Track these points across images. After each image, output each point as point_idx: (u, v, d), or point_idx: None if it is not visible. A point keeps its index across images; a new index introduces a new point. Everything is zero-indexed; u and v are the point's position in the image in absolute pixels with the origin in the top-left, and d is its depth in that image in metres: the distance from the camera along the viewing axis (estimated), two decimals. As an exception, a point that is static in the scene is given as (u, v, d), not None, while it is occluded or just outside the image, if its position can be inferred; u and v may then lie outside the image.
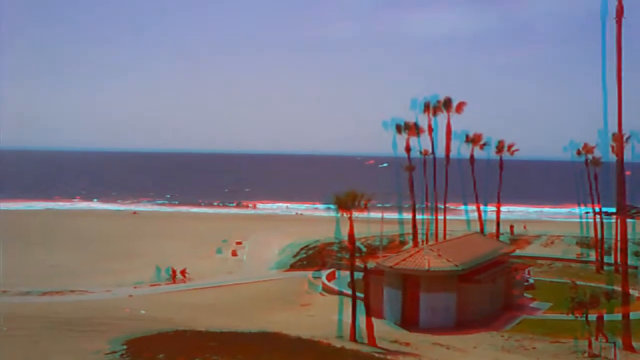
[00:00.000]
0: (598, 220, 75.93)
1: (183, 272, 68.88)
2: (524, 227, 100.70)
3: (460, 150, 76.39)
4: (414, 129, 73.76)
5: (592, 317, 40.69)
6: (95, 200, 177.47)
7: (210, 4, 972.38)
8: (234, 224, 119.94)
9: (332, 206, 40.00)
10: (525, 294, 58.03)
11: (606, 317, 42.58)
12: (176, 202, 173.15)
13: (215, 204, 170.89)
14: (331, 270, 66.41)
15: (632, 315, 42.89)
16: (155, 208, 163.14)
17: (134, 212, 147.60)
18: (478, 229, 76.55)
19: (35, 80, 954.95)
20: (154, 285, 65.37)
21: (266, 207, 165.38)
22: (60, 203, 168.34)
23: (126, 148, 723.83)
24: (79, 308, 48.02)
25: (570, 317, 40.91)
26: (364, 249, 77.84)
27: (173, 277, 67.80)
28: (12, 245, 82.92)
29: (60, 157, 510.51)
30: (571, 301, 40.43)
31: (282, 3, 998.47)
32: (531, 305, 54.75)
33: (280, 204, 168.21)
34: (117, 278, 67.62)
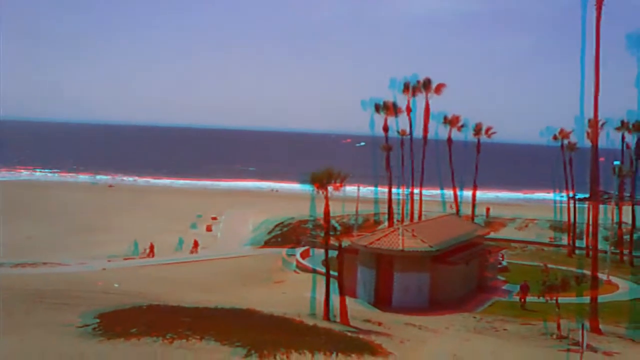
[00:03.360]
0: (572, 205, 76.70)
1: (196, 243, 71.30)
2: (487, 209, 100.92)
3: (438, 131, 76.73)
4: (392, 108, 73.89)
5: (563, 300, 41.28)
6: (70, 171, 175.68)
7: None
8: (209, 199, 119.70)
9: (307, 184, 39.97)
10: (498, 277, 58.60)
11: (575, 300, 43.28)
12: (153, 176, 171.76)
13: (191, 178, 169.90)
14: (305, 248, 66.61)
15: (600, 299, 43.59)
16: (132, 181, 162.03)
17: (110, 185, 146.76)
18: (454, 210, 77.06)
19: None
20: (127, 258, 65.18)
21: (243, 182, 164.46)
22: (35, 173, 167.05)
23: (107, 121, 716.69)
24: (51, 280, 47.81)
25: (541, 299, 41.41)
26: (339, 228, 78.17)
27: (151, 251, 67.67)
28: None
29: (41, 128, 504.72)
30: (542, 284, 40.92)
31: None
32: (504, 287, 55.31)
33: (258, 181, 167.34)
34: (91, 251, 67.37)
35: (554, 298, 39.97)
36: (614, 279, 59.34)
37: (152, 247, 68.17)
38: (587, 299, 42.62)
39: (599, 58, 40.23)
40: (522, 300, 48.62)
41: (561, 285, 40.87)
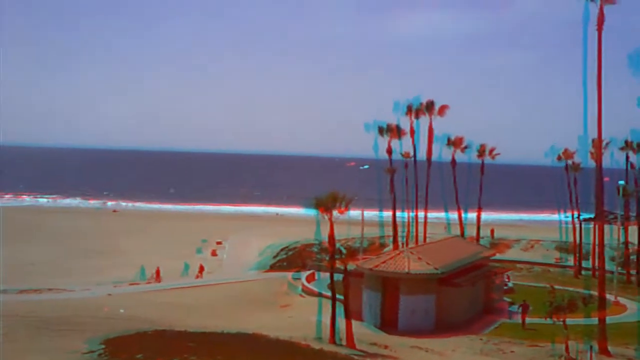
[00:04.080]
0: (577, 225, 76.44)
1: (202, 268, 71.38)
2: (491, 230, 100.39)
3: (442, 153, 76.77)
4: (395, 131, 74.11)
5: (570, 321, 41.03)
6: (75, 197, 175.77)
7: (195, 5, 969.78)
8: (213, 223, 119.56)
9: (312, 207, 40.00)
10: (504, 298, 58.30)
11: (583, 321, 43.01)
12: (157, 201, 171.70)
13: (195, 203, 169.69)
14: (311, 271, 66.45)
15: (608, 320, 43.31)
16: (136, 206, 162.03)
17: (114, 210, 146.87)
18: (458, 232, 76.85)
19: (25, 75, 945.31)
20: (133, 284, 65.08)
21: (247, 207, 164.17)
22: (41, 199, 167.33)
23: (110, 146, 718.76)
24: (56, 307, 47.67)
25: (549, 321, 41.17)
26: (344, 251, 77.87)
27: (157, 276, 67.62)
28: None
29: (42, 154, 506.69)
30: (549, 305, 40.70)
31: (267, 4, 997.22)
32: (510, 309, 55.02)
33: (262, 206, 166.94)
34: (96, 276, 67.28)
35: (562, 319, 39.77)
36: (622, 300, 59.00)
37: (158, 272, 68.12)
38: (595, 320, 42.32)
39: (602, 78, 40.36)
40: (522, 319, 48.51)
41: (568, 306, 40.63)
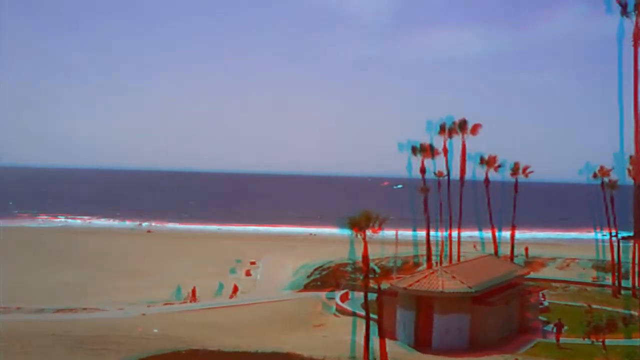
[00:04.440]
0: (615, 243, 75.26)
1: (236, 288, 71.67)
2: (526, 249, 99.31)
3: (475, 172, 76.37)
4: (429, 150, 73.96)
5: (610, 341, 40.32)
6: (109, 218, 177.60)
7: (216, 23, 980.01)
8: (247, 243, 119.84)
9: (346, 227, 39.93)
10: (539, 317, 57.52)
11: (623, 342, 42.20)
12: (191, 221, 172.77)
13: (229, 223, 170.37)
14: (345, 291, 66.22)
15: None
16: (170, 226, 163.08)
17: (149, 231, 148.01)
18: (492, 251, 76.18)
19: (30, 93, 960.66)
20: (167, 304, 65.36)
21: (280, 228, 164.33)
22: (74, 220, 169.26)
23: (142, 167, 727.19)
24: (91, 326, 48.06)
25: (587, 341, 40.49)
26: (378, 270, 77.52)
27: (193, 296, 67.94)
28: (27, 262, 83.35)
29: (70, 175, 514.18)
30: (587, 325, 40.05)
31: (294, 23, 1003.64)
32: (545, 328, 54.25)
33: (296, 226, 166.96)
34: (130, 296, 67.69)
35: (600, 339, 39.08)
36: (662, 320, 57.78)
37: (194, 292, 68.40)
38: (636, 341, 41.50)
39: (638, 94, 39.86)
40: (557, 338, 47.74)
41: (607, 326, 39.99)
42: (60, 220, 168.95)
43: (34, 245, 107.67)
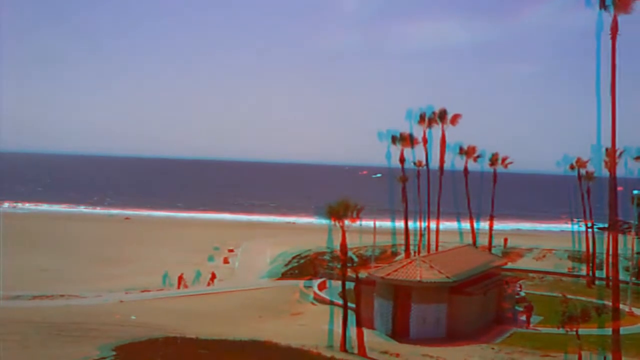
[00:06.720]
0: (590, 234, 76.04)
1: (213, 276, 71.28)
2: (504, 240, 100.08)
3: (454, 162, 76.63)
4: (408, 140, 74.07)
5: (583, 331, 40.76)
6: (86, 205, 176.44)
7: (207, 13, 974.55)
8: (225, 231, 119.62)
9: (324, 216, 40.00)
10: (516, 307, 58.04)
11: (597, 331, 42.71)
12: (169, 209, 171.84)
13: (207, 211, 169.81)
14: (323, 279, 66.38)
15: (622, 331, 42.96)
16: (148, 213, 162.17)
17: (127, 218, 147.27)
18: (470, 240, 76.65)
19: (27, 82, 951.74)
20: (145, 291, 65.18)
21: (259, 217, 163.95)
22: (52, 206, 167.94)
23: (120, 153, 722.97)
24: (69, 313, 47.86)
25: (561, 330, 40.91)
26: (356, 259, 77.87)
27: (179, 283, 67.86)
28: (2, 248, 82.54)
29: (50, 161, 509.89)
30: (562, 315, 40.44)
31: (277, 13, 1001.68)
32: (522, 318, 54.76)
33: (274, 215, 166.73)
34: (108, 283, 67.44)
35: (574, 329, 39.49)
36: (636, 311, 58.55)
37: (180, 279, 68.28)
38: (608, 331, 41.97)
39: (615, 86, 40.10)
40: (527, 318, 48.49)
41: (581, 315, 40.35)
42: (36, 206, 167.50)
43: (9, 230, 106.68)
